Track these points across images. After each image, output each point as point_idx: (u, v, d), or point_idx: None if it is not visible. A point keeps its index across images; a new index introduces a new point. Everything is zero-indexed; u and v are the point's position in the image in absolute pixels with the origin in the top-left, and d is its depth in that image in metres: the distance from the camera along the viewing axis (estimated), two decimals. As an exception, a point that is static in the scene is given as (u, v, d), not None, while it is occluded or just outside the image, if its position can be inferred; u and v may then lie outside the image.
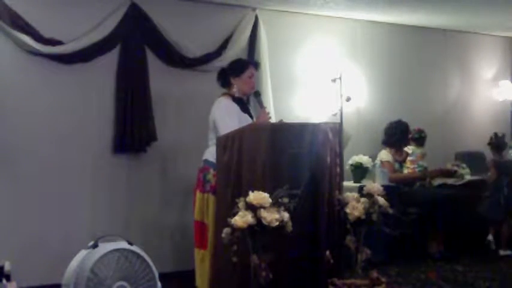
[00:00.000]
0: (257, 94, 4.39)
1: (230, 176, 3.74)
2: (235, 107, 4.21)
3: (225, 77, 4.33)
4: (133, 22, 5.10)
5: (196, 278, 4.21)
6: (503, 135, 6.30)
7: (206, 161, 4.21)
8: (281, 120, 4.27)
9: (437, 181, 6.35)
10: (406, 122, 6.11)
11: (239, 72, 4.28)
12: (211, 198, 4.10)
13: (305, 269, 3.64)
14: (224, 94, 4.30)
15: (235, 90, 4.29)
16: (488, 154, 7.05)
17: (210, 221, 4.08)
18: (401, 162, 6.09)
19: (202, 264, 4.15)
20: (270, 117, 4.30)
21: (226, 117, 4.10)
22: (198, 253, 4.20)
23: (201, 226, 4.17)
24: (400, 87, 6.83)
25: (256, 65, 4.48)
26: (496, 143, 6.19)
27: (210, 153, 4.17)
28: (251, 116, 4.30)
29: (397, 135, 6.06)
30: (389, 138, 6.10)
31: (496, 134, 6.24)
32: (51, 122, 4.87)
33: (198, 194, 4.20)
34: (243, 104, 4.31)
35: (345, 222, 3.71)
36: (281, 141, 3.65)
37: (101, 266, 3.27)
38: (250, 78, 4.30)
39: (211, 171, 4.13)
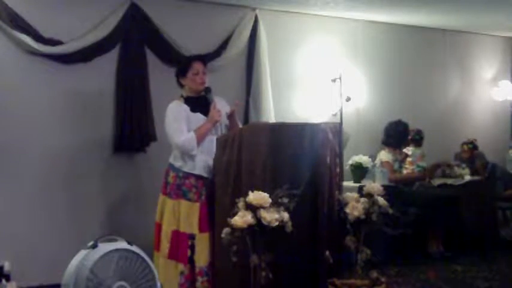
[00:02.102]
0: (207, 90, 4.18)
1: (230, 176, 3.74)
2: (183, 109, 4.09)
3: (177, 80, 4.24)
4: (133, 22, 5.09)
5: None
6: None
7: (168, 163, 4.18)
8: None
9: (437, 181, 6.36)
10: (405, 122, 6.12)
11: (184, 72, 4.16)
12: (168, 201, 4.09)
13: (305, 269, 3.64)
14: (179, 98, 4.20)
15: (186, 90, 4.18)
16: (488, 154, 7.06)
17: (164, 224, 4.08)
18: (401, 162, 6.11)
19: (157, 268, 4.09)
20: (219, 112, 4.09)
21: (172, 123, 4.05)
22: (154, 256, 4.12)
23: (159, 228, 4.14)
24: (400, 87, 6.83)
25: (201, 59, 4.24)
26: None
27: (171, 156, 4.17)
28: (207, 113, 4.12)
29: (396, 135, 6.07)
30: (389, 138, 6.11)
31: None
32: (51, 122, 4.87)
33: (160, 196, 4.18)
34: (195, 103, 4.15)
35: (345, 222, 3.71)
36: (281, 141, 3.65)
37: (100, 266, 3.27)
38: (196, 75, 4.13)
39: (171, 173, 4.11)
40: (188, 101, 4.15)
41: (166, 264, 4.03)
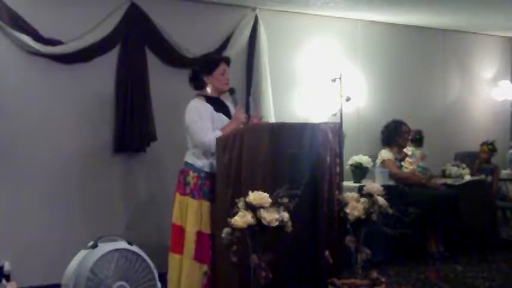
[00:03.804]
0: (232, 91, 4.18)
1: (230, 176, 3.74)
2: (207, 108, 4.06)
3: (197, 78, 4.18)
4: (134, 22, 5.10)
5: (168, 285, 4.06)
6: None
7: (186, 163, 4.11)
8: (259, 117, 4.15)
9: (437, 181, 6.36)
10: (399, 120, 6.17)
11: (211, 70, 4.12)
12: (190, 201, 4.02)
13: (305, 269, 3.64)
14: (197, 96, 4.16)
15: (209, 89, 4.15)
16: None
17: (187, 225, 4.01)
18: (400, 160, 6.13)
19: (176, 270, 4.03)
20: (245, 116, 4.11)
21: (197, 120, 4.00)
22: (172, 258, 4.08)
23: (179, 230, 4.07)
24: (400, 87, 6.83)
25: (228, 61, 4.25)
26: None
27: (190, 155, 4.10)
28: (229, 115, 4.14)
29: (386, 132, 6.20)
30: (384, 137, 6.19)
31: None
32: (51, 122, 4.87)
33: (178, 197, 4.10)
34: (217, 103, 4.15)
35: (345, 222, 3.71)
36: (281, 141, 3.65)
37: (100, 266, 3.27)
38: (222, 75, 4.12)
39: (191, 173, 4.05)
40: (211, 100, 4.12)
41: (191, 266, 3.97)
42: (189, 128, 4.03)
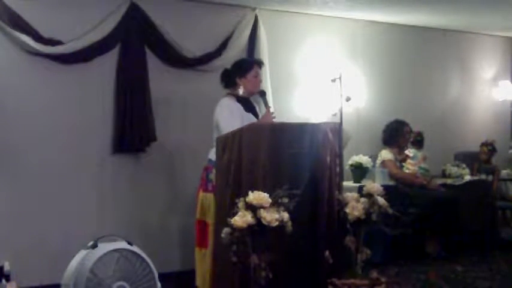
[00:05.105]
0: (262, 93, 4.33)
1: (230, 176, 3.74)
2: (238, 107, 4.18)
3: (229, 78, 4.30)
4: (133, 22, 5.09)
5: (196, 278, 4.19)
6: None
7: (210, 160, 4.19)
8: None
9: (437, 181, 6.36)
10: (402, 120, 6.16)
11: (244, 72, 4.26)
12: (213, 197, 4.07)
13: (305, 269, 3.64)
14: (228, 94, 4.27)
15: (240, 90, 4.26)
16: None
17: (211, 220, 4.06)
18: (401, 161, 6.12)
19: (202, 264, 4.13)
20: (274, 117, 4.25)
21: (229, 118, 4.08)
22: (198, 252, 4.18)
23: (203, 225, 4.15)
24: (400, 87, 6.83)
25: (260, 64, 4.43)
26: None
27: (214, 153, 4.14)
28: (256, 115, 4.27)
29: (388, 131, 6.18)
30: (385, 136, 6.18)
31: None
32: (51, 122, 4.87)
33: (201, 193, 4.19)
34: (247, 103, 4.28)
35: (345, 222, 3.71)
36: (281, 141, 3.66)
37: (100, 266, 3.27)
38: (255, 78, 4.28)
39: (214, 170, 4.09)
40: (241, 100, 4.22)
41: None
42: (219, 124, 4.12)
